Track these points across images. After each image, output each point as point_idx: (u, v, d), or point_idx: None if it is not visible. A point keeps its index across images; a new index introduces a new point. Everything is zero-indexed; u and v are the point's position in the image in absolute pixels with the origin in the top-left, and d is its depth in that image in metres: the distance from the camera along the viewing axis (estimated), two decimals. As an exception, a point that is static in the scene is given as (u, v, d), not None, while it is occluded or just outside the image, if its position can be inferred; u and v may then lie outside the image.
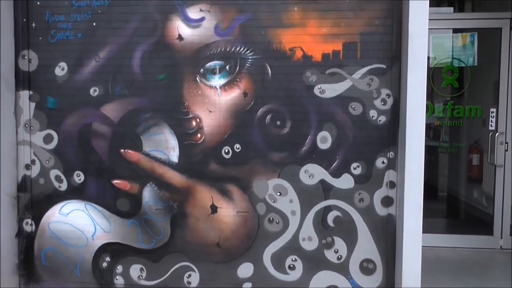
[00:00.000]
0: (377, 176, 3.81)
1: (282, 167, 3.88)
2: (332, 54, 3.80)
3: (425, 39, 3.49)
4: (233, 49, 3.86)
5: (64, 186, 4.12)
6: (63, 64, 4.06)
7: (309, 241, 3.89)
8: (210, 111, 3.92)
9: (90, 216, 4.10)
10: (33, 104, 4.12)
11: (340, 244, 3.88)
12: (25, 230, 4.19)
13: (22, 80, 4.11)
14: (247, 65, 3.86)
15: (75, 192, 4.11)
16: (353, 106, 3.80)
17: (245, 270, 3.96)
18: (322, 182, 3.86)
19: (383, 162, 3.81)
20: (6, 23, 4.03)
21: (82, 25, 4.02)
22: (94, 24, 4.01)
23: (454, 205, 6.43)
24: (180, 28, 3.91)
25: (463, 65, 5.53)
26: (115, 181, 4.05)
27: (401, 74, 3.70)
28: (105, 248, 4.10)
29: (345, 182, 3.84)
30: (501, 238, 5.26)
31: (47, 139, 4.11)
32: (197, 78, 3.92)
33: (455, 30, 5.53)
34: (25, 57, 4.10)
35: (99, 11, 4.00)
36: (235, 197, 3.94)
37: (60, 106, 4.09)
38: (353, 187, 3.84)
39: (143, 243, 4.06)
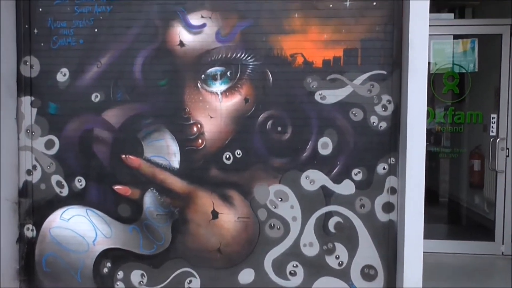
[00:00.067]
0: (378, 182, 3.81)
1: (283, 173, 3.88)
2: (333, 60, 3.81)
3: (425, 46, 3.50)
4: (234, 55, 3.87)
5: (65, 192, 4.12)
6: (64, 70, 4.07)
7: (310, 247, 3.89)
8: (211, 117, 3.92)
9: (91, 222, 4.10)
10: (34, 110, 4.13)
11: (341, 250, 3.87)
12: (26, 235, 4.19)
13: (24, 86, 4.12)
14: (248, 71, 3.87)
15: (76, 198, 4.11)
16: (354, 112, 3.80)
17: (246, 276, 3.95)
18: (323, 188, 3.86)
19: (384, 168, 3.81)
20: (8, 29, 4.04)
21: (84, 31, 4.04)
22: (96, 30, 4.03)
23: (455, 211, 6.41)
24: (181, 34, 3.93)
25: (464, 71, 5.54)
26: (116, 187, 4.05)
27: (401, 80, 3.71)
28: (106, 254, 4.09)
29: (346, 188, 3.84)
30: (503, 244, 5.24)
31: (49, 144, 4.12)
32: (198, 84, 3.93)
33: (456, 36, 5.54)
34: (27, 63, 4.12)
35: (101, 18, 4.02)
36: (236, 203, 3.94)
37: (61, 112, 4.10)
38: (354, 193, 3.83)
39: (144, 249, 4.05)
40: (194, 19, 3.91)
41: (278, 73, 3.86)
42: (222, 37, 3.89)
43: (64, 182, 4.11)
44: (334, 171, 3.85)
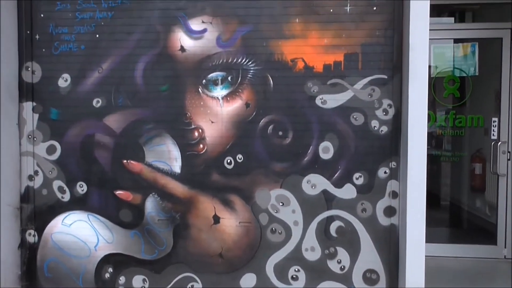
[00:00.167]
0: (380, 186, 3.81)
1: (284, 177, 3.89)
2: (333, 65, 3.82)
3: (425, 50, 3.50)
4: (235, 60, 3.88)
5: (67, 197, 4.12)
6: (66, 76, 4.09)
7: (312, 252, 3.89)
8: (212, 122, 3.93)
9: (93, 227, 4.10)
10: (36, 115, 4.14)
11: (343, 254, 3.87)
12: (28, 241, 4.19)
13: (26, 91, 4.13)
14: (249, 76, 3.88)
15: (78, 203, 4.11)
16: (354, 117, 3.81)
17: (248, 280, 3.95)
18: (325, 192, 3.86)
19: (385, 172, 3.81)
20: (10, 35, 4.06)
21: (85, 37, 4.06)
22: (97, 36, 4.04)
23: (457, 215, 6.40)
24: (182, 40, 3.94)
25: (464, 74, 5.55)
26: (118, 192, 4.05)
27: (402, 85, 3.72)
28: (108, 259, 4.09)
29: (348, 192, 3.84)
30: (505, 247, 5.23)
31: (50, 150, 4.13)
32: (199, 89, 3.94)
33: (456, 40, 5.55)
34: (29, 69, 4.13)
35: (102, 23, 4.03)
36: (238, 208, 3.94)
37: (63, 117, 4.11)
38: (355, 197, 3.84)
39: (146, 254, 4.05)
40: (195, 24, 3.93)
41: (279, 77, 3.87)
42: (223, 42, 3.90)
43: (65, 188, 4.12)
44: (335, 175, 3.85)
